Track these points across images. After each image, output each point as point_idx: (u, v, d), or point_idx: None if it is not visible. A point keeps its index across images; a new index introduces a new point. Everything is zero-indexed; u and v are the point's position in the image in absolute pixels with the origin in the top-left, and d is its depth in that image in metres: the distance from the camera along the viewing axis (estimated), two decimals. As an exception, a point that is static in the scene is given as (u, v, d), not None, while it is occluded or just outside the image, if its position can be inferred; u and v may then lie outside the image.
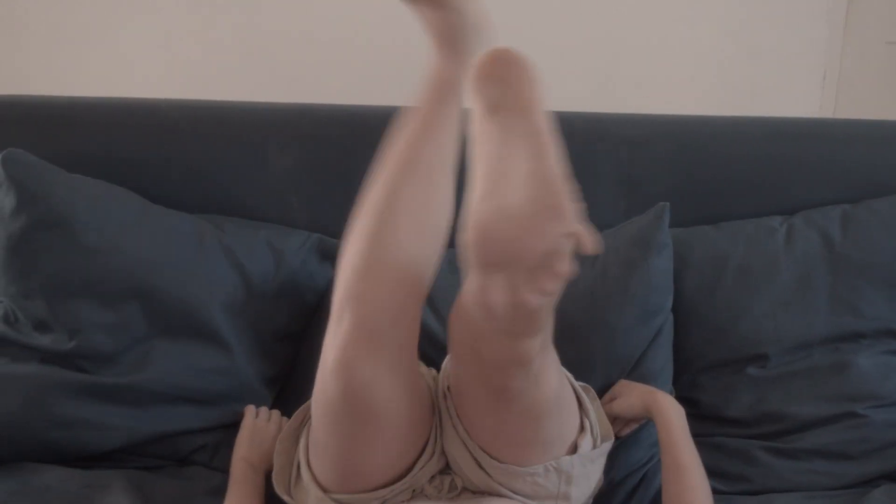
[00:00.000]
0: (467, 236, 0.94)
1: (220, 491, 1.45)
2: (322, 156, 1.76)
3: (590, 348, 1.58)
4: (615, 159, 1.78)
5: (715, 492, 1.41)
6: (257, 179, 1.74)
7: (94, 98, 1.80)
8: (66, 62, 2.36)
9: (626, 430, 1.55)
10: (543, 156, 0.95)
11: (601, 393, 1.56)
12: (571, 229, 0.91)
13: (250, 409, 1.58)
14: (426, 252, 1.23)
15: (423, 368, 1.48)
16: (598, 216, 1.74)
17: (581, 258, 1.65)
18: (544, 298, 0.93)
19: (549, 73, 2.28)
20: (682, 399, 1.54)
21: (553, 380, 1.19)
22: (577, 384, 1.40)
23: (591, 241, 0.92)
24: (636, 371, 1.59)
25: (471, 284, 0.97)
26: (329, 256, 1.68)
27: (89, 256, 1.56)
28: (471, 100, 1.05)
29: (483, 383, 1.17)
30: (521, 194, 0.93)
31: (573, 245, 0.93)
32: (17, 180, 1.57)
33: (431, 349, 1.56)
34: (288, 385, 1.67)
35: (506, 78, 1.02)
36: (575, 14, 2.38)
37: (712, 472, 1.43)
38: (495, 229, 0.92)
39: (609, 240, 1.66)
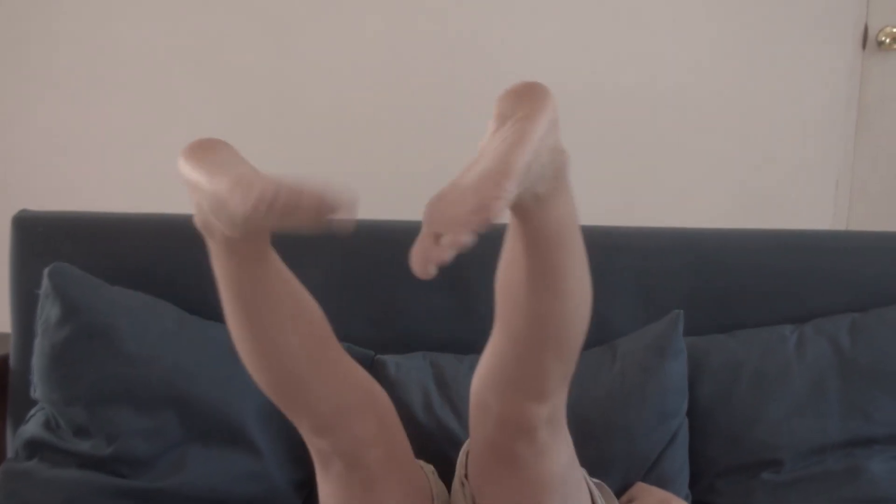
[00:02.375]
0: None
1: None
2: (349, 268, 1.82)
3: (608, 449, 1.62)
4: (632, 270, 1.83)
5: None
6: (288, 291, 1.81)
7: (135, 214, 1.88)
8: (108, 176, 2.46)
9: None
10: (517, 143, 0.98)
11: (618, 494, 1.60)
12: (502, 194, 0.92)
13: None
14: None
15: (422, 463, 1.52)
16: (616, 323, 1.81)
17: (600, 364, 1.71)
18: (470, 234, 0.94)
19: (573, 183, 2.36)
20: (699, 504, 1.57)
21: (562, 457, 1.25)
22: (592, 480, 1.44)
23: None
24: (653, 473, 1.63)
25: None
26: (360, 363, 1.73)
27: (128, 365, 1.62)
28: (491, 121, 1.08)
29: (492, 448, 1.23)
30: (476, 170, 0.96)
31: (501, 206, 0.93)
32: (62, 292, 1.65)
33: (451, 449, 1.61)
34: (315, 490, 1.71)
35: (522, 95, 1.06)
36: (593, 130, 2.47)
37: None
38: (440, 197, 0.95)
39: (626, 345, 1.72)
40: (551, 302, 1.15)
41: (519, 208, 1.11)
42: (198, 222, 1.14)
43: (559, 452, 1.25)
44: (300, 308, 1.25)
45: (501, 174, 0.93)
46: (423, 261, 0.93)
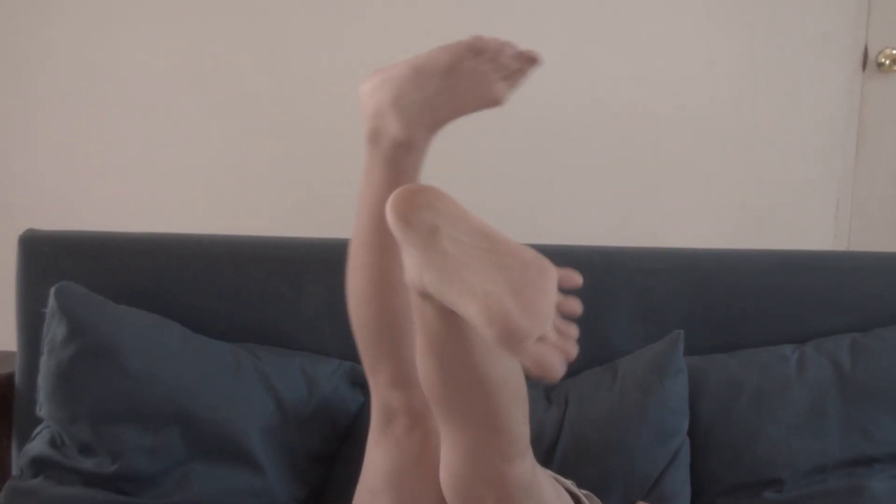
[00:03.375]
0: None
1: None
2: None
3: (608, 468, 1.63)
4: (632, 290, 1.85)
5: None
6: (292, 310, 1.82)
7: (141, 234, 1.90)
8: (114, 196, 2.48)
9: None
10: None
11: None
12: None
13: None
14: None
15: None
16: (616, 343, 1.82)
17: (601, 384, 1.72)
18: None
19: (570, 208, 2.39)
20: (700, 523, 1.58)
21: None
22: (582, 491, 1.45)
23: None
24: (654, 492, 1.64)
25: None
26: (360, 383, 1.75)
27: (133, 383, 1.63)
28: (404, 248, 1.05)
29: None
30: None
31: None
32: (68, 311, 1.66)
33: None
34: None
35: (429, 203, 1.02)
36: (594, 151, 2.48)
37: None
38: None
39: (626, 365, 1.73)
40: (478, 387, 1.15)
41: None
42: (367, 131, 1.25)
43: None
44: None
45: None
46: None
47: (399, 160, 1.27)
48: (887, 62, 2.50)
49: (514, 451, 1.17)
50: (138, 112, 2.45)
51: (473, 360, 1.10)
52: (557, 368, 0.94)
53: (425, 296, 1.03)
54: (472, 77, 1.24)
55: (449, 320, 1.05)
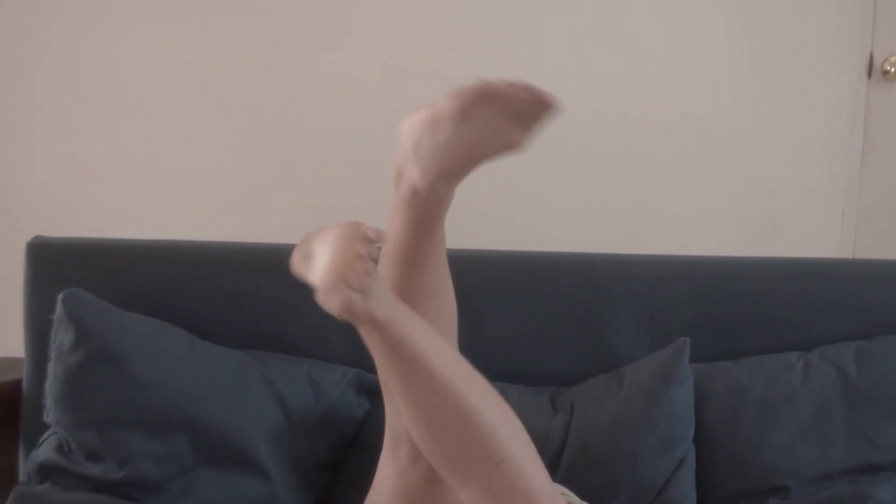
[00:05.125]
0: None
1: None
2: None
3: (614, 476, 1.63)
4: (637, 298, 1.85)
5: None
6: (298, 317, 1.82)
7: (148, 240, 1.91)
8: (121, 203, 2.49)
9: None
10: None
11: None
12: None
13: None
14: None
15: None
16: (621, 351, 1.82)
17: (606, 391, 1.72)
18: None
19: (574, 215, 2.40)
20: (706, 530, 1.58)
21: None
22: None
23: None
24: (659, 500, 1.63)
25: None
26: (366, 390, 1.76)
27: (140, 389, 1.64)
28: None
29: None
30: None
31: None
32: (76, 318, 1.67)
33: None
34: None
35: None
36: (597, 159, 2.49)
37: None
38: None
39: (632, 373, 1.74)
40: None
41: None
42: (394, 170, 1.28)
43: None
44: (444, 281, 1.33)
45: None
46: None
47: (416, 206, 1.26)
48: (893, 69, 2.50)
49: (533, 487, 1.16)
50: (143, 117, 2.46)
51: (434, 381, 1.17)
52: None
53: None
54: (486, 124, 1.20)
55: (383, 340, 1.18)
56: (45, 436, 1.71)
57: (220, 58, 2.44)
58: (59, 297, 1.69)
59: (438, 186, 1.23)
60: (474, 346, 1.82)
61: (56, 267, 1.83)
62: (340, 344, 1.82)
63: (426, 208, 1.26)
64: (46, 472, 1.65)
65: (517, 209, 2.50)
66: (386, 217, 2.34)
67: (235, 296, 1.84)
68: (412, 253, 1.27)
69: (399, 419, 1.30)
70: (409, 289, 1.28)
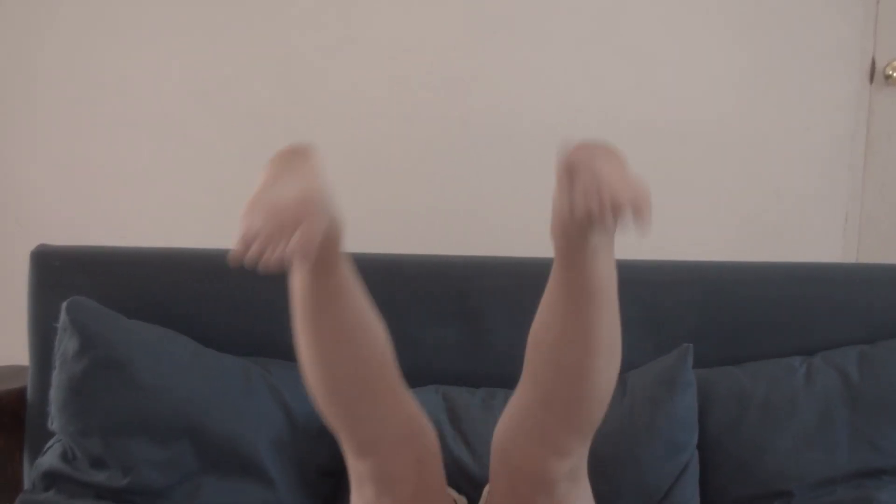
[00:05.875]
0: None
1: None
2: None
3: (618, 481, 1.64)
4: (641, 303, 1.84)
5: None
6: (302, 323, 1.83)
7: (152, 248, 1.91)
8: (124, 211, 2.48)
9: None
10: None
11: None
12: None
13: None
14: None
15: (454, 494, 1.54)
16: (625, 356, 1.81)
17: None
18: None
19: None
20: (710, 535, 1.58)
21: None
22: None
23: None
24: (663, 505, 1.64)
25: None
26: (369, 396, 1.76)
27: (144, 397, 1.64)
28: None
29: (511, 498, 1.25)
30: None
31: None
32: (80, 325, 1.68)
33: (465, 484, 1.62)
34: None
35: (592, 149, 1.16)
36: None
37: None
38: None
39: (636, 378, 1.74)
40: (582, 358, 1.18)
41: (571, 258, 1.13)
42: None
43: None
44: (361, 329, 1.28)
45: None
46: None
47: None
48: (895, 74, 2.50)
49: (557, 444, 1.21)
50: (148, 126, 2.46)
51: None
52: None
53: None
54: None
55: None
56: (49, 443, 1.72)
57: (225, 67, 2.44)
58: (63, 304, 1.70)
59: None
60: (479, 352, 1.83)
61: (60, 275, 1.83)
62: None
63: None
64: (51, 479, 1.65)
65: (521, 216, 2.49)
66: (392, 225, 2.35)
67: (239, 303, 1.85)
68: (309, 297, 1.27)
69: (357, 461, 1.32)
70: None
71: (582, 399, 1.21)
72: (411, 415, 1.33)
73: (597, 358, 1.18)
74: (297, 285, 1.25)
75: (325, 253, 1.18)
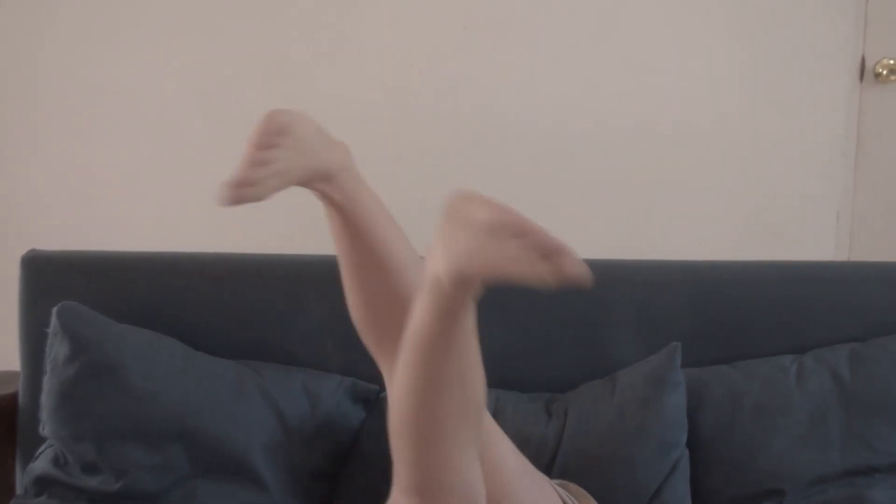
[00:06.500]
0: None
1: None
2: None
3: (608, 481, 1.63)
4: (634, 303, 1.85)
5: None
6: (294, 327, 1.83)
7: (142, 252, 1.91)
8: (116, 215, 2.48)
9: None
10: None
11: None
12: None
13: None
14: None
15: None
16: (619, 356, 1.82)
17: (600, 397, 1.72)
18: None
19: (573, 222, 2.39)
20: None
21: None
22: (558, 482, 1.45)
23: None
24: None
25: None
26: (362, 399, 1.76)
27: (136, 401, 1.64)
28: None
29: None
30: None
31: None
32: (71, 330, 1.67)
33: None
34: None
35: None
36: (596, 166, 2.49)
37: None
38: None
39: (625, 378, 1.74)
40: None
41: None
42: (428, 248, 1.26)
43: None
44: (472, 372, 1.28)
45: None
46: None
47: (435, 293, 1.21)
48: (884, 72, 2.50)
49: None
50: (142, 130, 2.46)
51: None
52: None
53: None
54: (514, 253, 1.13)
55: None
56: (41, 448, 1.72)
57: (221, 71, 2.44)
58: (54, 309, 1.70)
59: (458, 284, 1.17)
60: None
61: (51, 280, 1.84)
62: (336, 353, 1.82)
63: (445, 301, 1.20)
64: (43, 484, 1.65)
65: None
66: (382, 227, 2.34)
67: (231, 306, 1.85)
68: (432, 338, 1.24)
69: (408, 498, 1.26)
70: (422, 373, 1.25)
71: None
72: (478, 478, 1.29)
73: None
74: (426, 326, 1.21)
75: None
